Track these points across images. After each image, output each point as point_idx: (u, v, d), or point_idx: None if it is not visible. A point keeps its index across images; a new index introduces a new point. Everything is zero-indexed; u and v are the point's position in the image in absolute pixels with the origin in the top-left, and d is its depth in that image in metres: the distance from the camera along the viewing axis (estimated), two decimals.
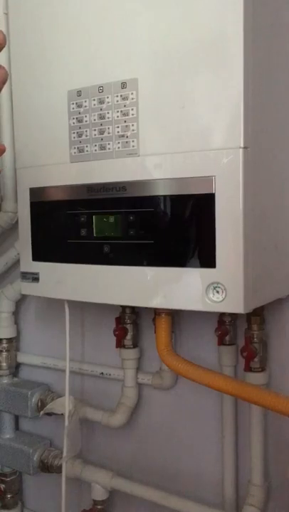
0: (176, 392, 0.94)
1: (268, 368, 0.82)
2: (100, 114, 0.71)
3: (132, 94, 0.68)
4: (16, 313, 1.09)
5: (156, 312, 0.77)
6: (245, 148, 0.61)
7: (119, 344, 0.93)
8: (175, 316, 0.88)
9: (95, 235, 0.73)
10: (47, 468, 1.02)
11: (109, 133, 0.71)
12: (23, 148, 0.83)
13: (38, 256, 0.81)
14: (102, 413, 0.96)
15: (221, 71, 0.62)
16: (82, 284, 0.75)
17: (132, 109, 0.68)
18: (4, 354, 1.07)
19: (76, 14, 0.73)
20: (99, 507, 0.97)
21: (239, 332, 0.85)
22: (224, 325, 0.84)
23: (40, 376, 1.10)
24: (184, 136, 0.65)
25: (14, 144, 0.85)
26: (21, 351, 1.12)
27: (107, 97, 0.70)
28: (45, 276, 0.80)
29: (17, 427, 1.13)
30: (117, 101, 0.69)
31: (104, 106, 0.71)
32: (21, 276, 0.83)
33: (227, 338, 0.84)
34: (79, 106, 0.73)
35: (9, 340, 1.07)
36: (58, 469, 0.99)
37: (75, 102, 0.73)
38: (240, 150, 0.61)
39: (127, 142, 0.69)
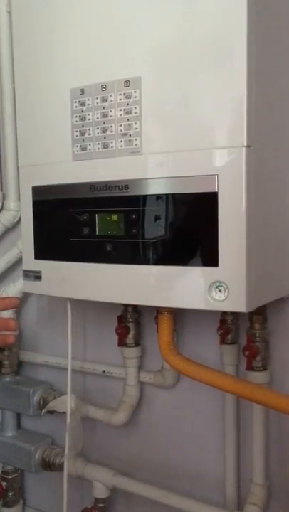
0: (177, 391, 0.94)
1: (269, 367, 0.82)
2: (103, 113, 0.71)
3: (135, 92, 0.68)
4: (18, 312, 1.09)
5: (159, 311, 0.77)
6: (248, 146, 0.61)
7: (121, 343, 0.93)
8: (177, 315, 0.88)
9: (97, 234, 0.73)
10: (49, 466, 1.02)
11: (112, 131, 0.71)
12: (25, 146, 0.83)
13: (40, 254, 0.81)
14: (103, 411, 0.96)
15: (225, 69, 0.61)
16: (85, 282, 0.75)
17: (135, 108, 0.68)
18: (6, 352, 1.07)
19: (79, 12, 0.73)
20: (100, 505, 0.97)
21: (241, 331, 0.85)
22: (226, 324, 0.84)
23: (42, 374, 1.10)
24: (187, 134, 0.65)
25: (17, 142, 0.85)
26: (23, 349, 1.12)
27: (110, 96, 0.70)
28: (48, 274, 0.80)
29: (19, 425, 1.13)
30: (120, 99, 0.69)
31: (107, 104, 0.71)
32: (24, 274, 0.83)
33: (229, 337, 0.84)
34: (82, 104, 0.73)
35: None
36: (60, 467, 0.99)
37: (77, 100, 0.73)
38: (244, 149, 0.61)
39: (130, 141, 0.69)
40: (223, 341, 0.84)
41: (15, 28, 0.82)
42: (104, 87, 0.71)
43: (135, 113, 0.68)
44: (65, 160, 0.76)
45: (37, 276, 0.81)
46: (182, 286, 0.66)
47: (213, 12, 0.62)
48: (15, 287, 1.04)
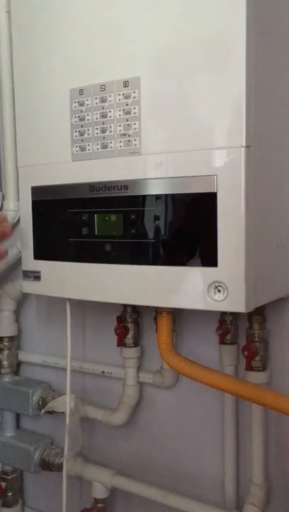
0: (177, 391, 0.94)
1: (268, 367, 0.82)
2: (102, 113, 0.71)
3: (134, 92, 0.68)
4: (17, 312, 1.09)
5: (158, 311, 0.77)
6: (247, 147, 0.61)
7: (121, 343, 0.93)
8: (176, 315, 0.88)
9: (96, 234, 0.73)
10: (48, 466, 1.02)
11: (111, 131, 0.71)
12: (25, 146, 0.83)
13: (39, 254, 0.81)
14: (103, 412, 0.96)
15: (224, 69, 0.61)
16: (84, 282, 0.75)
17: (134, 108, 0.68)
18: (5, 352, 1.07)
19: (78, 12, 0.73)
20: (100, 505, 0.97)
21: (240, 331, 0.85)
22: (225, 324, 0.84)
23: (41, 375, 1.10)
24: (186, 135, 0.65)
25: (16, 143, 0.85)
26: (22, 350, 1.12)
27: (109, 96, 0.70)
28: (47, 274, 0.80)
29: (18, 426, 1.13)
30: (119, 99, 0.69)
31: (106, 104, 0.71)
32: (23, 274, 0.83)
33: (228, 337, 0.84)
34: (81, 104, 0.73)
35: (10, 338, 1.07)
36: (59, 468, 0.99)
37: (77, 101, 0.73)
38: (242, 149, 0.61)
39: (129, 141, 0.69)
40: (222, 341, 0.84)
41: (14, 28, 0.83)
42: (103, 87, 0.71)
43: (134, 113, 0.68)
44: (65, 160, 0.76)
45: (36, 276, 0.81)
46: (181, 287, 0.66)
47: (212, 12, 0.62)
48: (14, 287, 1.04)
